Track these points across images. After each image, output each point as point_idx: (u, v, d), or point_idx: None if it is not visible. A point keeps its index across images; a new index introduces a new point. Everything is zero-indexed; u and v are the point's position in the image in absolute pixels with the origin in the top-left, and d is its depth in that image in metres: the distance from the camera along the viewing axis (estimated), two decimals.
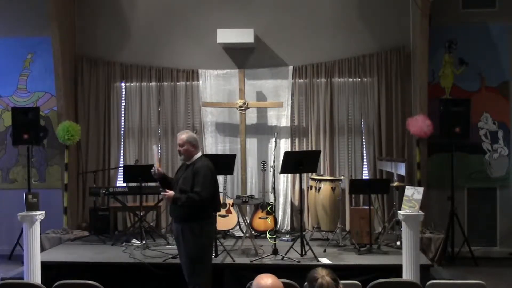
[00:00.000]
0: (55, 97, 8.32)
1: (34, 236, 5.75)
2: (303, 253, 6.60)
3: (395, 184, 7.25)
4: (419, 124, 7.64)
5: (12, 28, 8.58)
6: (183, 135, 5.27)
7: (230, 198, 7.94)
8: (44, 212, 5.88)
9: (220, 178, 7.88)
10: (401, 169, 7.35)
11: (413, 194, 5.60)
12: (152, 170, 5.29)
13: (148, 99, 8.54)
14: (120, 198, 7.94)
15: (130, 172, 7.66)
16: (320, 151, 7.54)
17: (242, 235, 7.43)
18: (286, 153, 6.96)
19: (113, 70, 8.55)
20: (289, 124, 8.40)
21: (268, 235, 7.21)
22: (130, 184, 7.81)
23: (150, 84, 8.54)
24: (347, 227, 7.68)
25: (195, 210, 5.10)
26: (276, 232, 7.40)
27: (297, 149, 8.33)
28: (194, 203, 5.05)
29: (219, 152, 8.31)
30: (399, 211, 5.78)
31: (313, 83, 8.38)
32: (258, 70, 8.42)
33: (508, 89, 8.27)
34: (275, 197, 7.31)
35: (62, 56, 8.07)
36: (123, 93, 8.61)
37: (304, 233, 7.14)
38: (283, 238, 7.54)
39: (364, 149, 8.37)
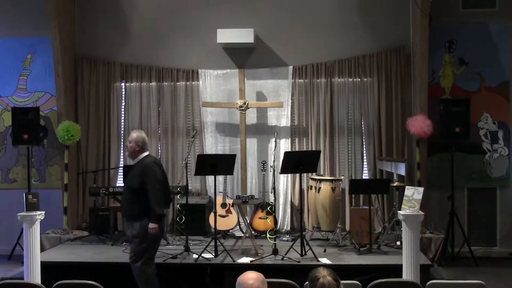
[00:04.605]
0: (55, 97, 8.32)
1: (34, 236, 5.74)
2: (303, 253, 6.60)
3: (395, 184, 7.25)
4: (419, 124, 7.63)
5: (12, 28, 8.58)
6: (134, 134, 5.56)
7: (230, 198, 7.93)
8: (44, 212, 5.88)
9: (220, 178, 7.91)
10: (401, 169, 7.35)
11: (413, 194, 5.60)
12: None
13: (148, 99, 8.54)
14: (120, 198, 7.92)
15: None
16: (320, 151, 7.54)
17: (242, 235, 7.43)
18: (286, 153, 6.95)
19: (113, 70, 8.55)
20: (289, 124, 8.39)
21: (268, 235, 7.21)
22: None
23: (150, 84, 8.54)
24: (347, 227, 7.68)
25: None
26: (276, 232, 7.39)
27: (297, 149, 8.33)
28: (157, 207, 5.32)
29: (219, 152, 8.32)
30: (399, 211, 5.78)
31: (313, 83, 8.38)
32: (258, 70, 8.42)
33: (508, 89, 8.26)
34: (275, 197, 7.31)
35: (62, 56, 8.08)
36: (123, 93, 8.61)
37: (304, 233, 7.14)
38: (283, 238, 7.54)
39: (364, 149, 8.36)
